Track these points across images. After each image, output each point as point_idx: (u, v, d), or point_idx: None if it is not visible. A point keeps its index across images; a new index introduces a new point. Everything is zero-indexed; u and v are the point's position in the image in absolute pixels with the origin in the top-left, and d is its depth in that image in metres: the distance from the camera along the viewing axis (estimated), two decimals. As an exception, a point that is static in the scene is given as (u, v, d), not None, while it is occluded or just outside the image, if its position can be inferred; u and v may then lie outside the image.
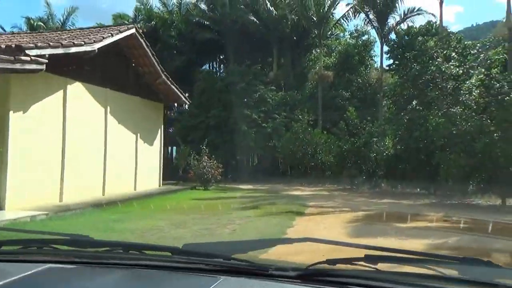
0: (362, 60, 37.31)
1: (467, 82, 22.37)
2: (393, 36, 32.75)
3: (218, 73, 41.40)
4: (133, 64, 18.09)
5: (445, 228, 10.71)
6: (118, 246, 1.78)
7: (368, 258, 1.50)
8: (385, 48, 32.68)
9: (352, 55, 36.89)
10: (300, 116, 29.91)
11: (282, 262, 1.70)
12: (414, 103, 22.68)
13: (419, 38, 25.94)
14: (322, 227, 10.73)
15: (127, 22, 43.06)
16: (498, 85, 20.24)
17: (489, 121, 15.70)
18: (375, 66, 38.45)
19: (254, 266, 1.51)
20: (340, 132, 26.07)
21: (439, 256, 1.73)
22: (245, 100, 32.96)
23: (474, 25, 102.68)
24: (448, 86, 21.86)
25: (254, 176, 33.53)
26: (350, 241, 5.83)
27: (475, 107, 20.05)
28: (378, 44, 35.76)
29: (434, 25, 32.16)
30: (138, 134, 18.60)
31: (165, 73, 18.79)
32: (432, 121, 18.64)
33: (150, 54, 17.68)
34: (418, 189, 20.58)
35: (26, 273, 1.47)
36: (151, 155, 19.78)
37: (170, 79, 19.43)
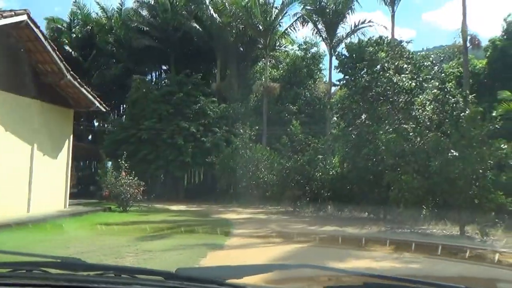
0: (310, 73, 35.32)
1: (420, 96, 20.52)
2: (342, 49, 30.91)
3: (159, 83, 38.32)
4: (30, 61, 14.90)
5: (396, 268, 8.18)
6: (110, 269, 1.74)
7: (367, 287, 1.52)
8: (336, 62, 30.75)
9: (300, 67, 34.83)
10: (241, 130, 27.23)
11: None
12: (363, 118, 20.53)
13: (369, 49, 23.93)
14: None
15: (60, 26, 40.00)
16: (453, 100, 18.47)
17: (445, 140, 13.49)
18: (324, 80, 36.48)
19: None
20: (282, 148, 23.54)
21: (439, 285, 1.74)
22: (183, 111, 30.06)
23: (425, 48, 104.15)
24: (400, 100, 19.85)
25: (191, 195, 30.59)
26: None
27: (428, 123, 18.12)
28: (328, 57, 33.93)
29: (386, 39, 30.52)
30: (35, 145, 15.33)
31: (71, 72, 15.65)
32: (382, 137, 16.37)
33: (50, 48, 14.57)
34: (367, 214, 18.21)
35: None
36: (54, 170, 16.47)
37: (79, 80, 16.30)
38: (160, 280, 1.63)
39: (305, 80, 34.53)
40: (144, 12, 37.73)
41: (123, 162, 19.58)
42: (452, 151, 12.80)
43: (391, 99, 19.79)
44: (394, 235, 12.65)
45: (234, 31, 34.43)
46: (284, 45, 39.45)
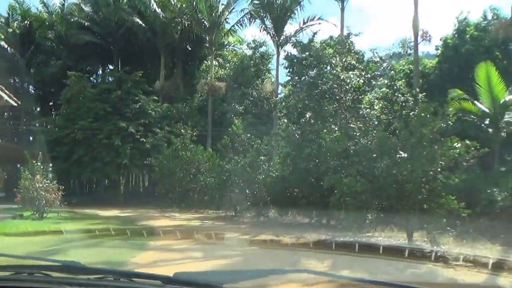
0: (258, 73, 33.60)
1: (369, 94, 19.13)
2: (292, 47, 29.28)
3: (98, 80, 35.72)
4: None
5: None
6: (109, 273, 1.75)
7: None
8: (284, 62, 29.06)
9: (248, 67, 33.05)
10: (182, 131, 25.12)
11: None
12: (307, 116, 18.90)
13: (317, 45, 22.37)
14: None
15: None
16: (402, 98, 17.15)
17: (392, 139, 11.90)
18: (273, 80, 34.79)
19: None
20: (223, 150, 21.62)
21: None
22: (122, 111, 27.68)
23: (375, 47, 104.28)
24: (347, 98, 18.38)
25: (130, 199, 28.25)
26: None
27: (376, 122, 16.66)
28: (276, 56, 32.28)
29: (337, 39, 29.18)
30: None
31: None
32: (326, 137, 14.73)
33: None
34: (309, 220, 16.46)
35: None
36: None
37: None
38: (158, 284, 1.61)
39: (252, 80, 32.80)
40: (87, 8, 35.06)
41: (38, 163, 17.09)
42: (401, 152, 11.24)
43: (337, 97, 18.30)
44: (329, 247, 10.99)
45: (179, 27, 32.30)
46: (232, 44, 37.73)
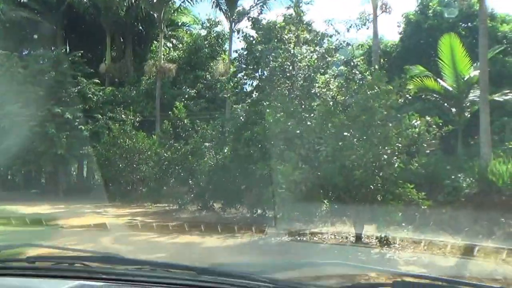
0: (213, 54, 31.24)
1: (324, 73, 17.25)
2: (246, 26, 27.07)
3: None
4: None
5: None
6: (146, 264, 1.79)
7: (396, 285, 1.45)
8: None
9: (202, 47, 30.68)
10: (123, 116, 22.72)
11: (306, 285, 1.79)
12: (254, 96, 16.92)
13: (266, 18, 20.26)
14: None
15: None
16: (360, 76, 15.42)
17: (340, 116, 9.90)
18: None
19: (281, 287, 1.47)
20: (163, 136, 19.42)
21: (474, 285, 1.84)
22: (57, 95, 25.01)
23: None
24: (299, 76, 16.46)
25: (69, 193, 25.75)
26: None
27: (331, 103, 14.76)
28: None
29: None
30: None
31: None
32: (269, 118, 12.70)
33: None
34: (254, 213, 14.37)
35: None
36: None
37: None
38: (194, 274, 1.63)
39: (206, 62, 30.40)
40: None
41: None
42: (350, 133, 9.34)
43: (288, 75, 16.35)
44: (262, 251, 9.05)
45: (125, 3, 29.60)
46: (188, 24, 35.25)
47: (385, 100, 8.93)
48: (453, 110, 15.40)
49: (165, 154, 17.86)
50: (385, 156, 8.84)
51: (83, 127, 24.49)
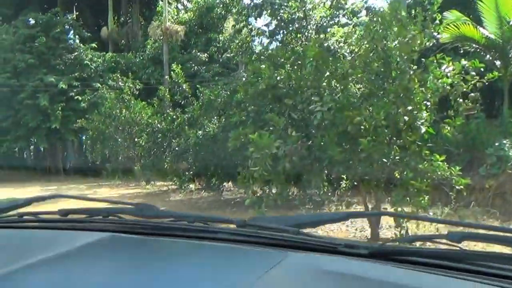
0: (227, 14, 28.92)
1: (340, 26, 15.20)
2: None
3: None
4: None
5: None
6: (183, 217, 1.72)
7: (451, 236, 1.32)
8: None
9: (214, 6, 28.41)
10: (120, 83, 20.93)
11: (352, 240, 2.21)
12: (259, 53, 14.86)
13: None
14: None
15: None
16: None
17: (351, 70, 7.63)
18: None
19: (324, 242, 1.42)
20: (158, 104, 17.56)
21: None
22: (50, 62, 23.48)
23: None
24: (310, 28, 14.40)
25: (65, 170, 24.60)
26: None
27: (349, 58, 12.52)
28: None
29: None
30: None
31: None
32: (265, 74, 10.58)
33: None
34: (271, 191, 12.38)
35: (90, 241, 1.49)
36: None
37: None
38: (233, 227, 1.60)
39: (219, 23, 28.20)
40: None
41: None
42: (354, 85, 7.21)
43: (298, 26, 14.25)
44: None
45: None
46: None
47: (407, 40, 6.65)
48: (497, 63, 12.77)
49: (158, 125, 16.00)
50: (405, 118, 6.62)
51: (80, 98, 22.94)
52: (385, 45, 6.84)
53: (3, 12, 28.86)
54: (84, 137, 24.68)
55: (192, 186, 16.14)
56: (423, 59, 6.96)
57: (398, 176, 6.77)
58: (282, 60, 8.18)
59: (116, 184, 19.82)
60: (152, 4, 32.53)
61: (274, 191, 7.35)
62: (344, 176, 8.82)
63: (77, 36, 29.61)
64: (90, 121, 20.44)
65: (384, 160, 6.55)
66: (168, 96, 17.31)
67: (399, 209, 6.21)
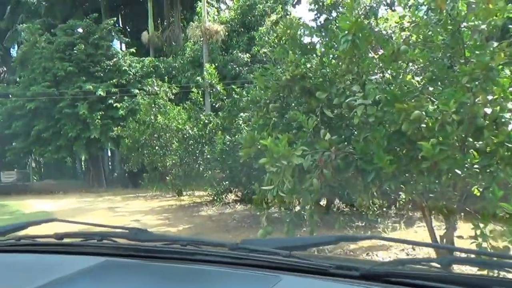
0: (270, 10, 27.04)
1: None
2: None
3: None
4: None
5: None
6: (176, 240, 1.75)
7: (441, 260, 1.42)
8: None
9: (256, 3, 26.64)
10: (156, 88, 19.50)
11: (345, 260, 1.87)
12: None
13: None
14: None
15: None
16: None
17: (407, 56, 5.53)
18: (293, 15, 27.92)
19: (315, 264, 1.43)
20: (190, 109, 15.94)
21: None
22: (89, 69, 22.45)
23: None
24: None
25: (110, 180, 23.53)
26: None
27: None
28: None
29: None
30: None
31: None
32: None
33: None
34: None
35: (85, 266, 1.51)
36: None
37: None
38: (225, 250, 1.61)
39: (262, 20, 26.35)
40: None
41: None
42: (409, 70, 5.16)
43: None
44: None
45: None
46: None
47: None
48: None
49: (189, 131, 14.35)
50: (486, 110, 4.48)
51: (118, 105, 21.77)
52: (454, 8, 4.74)
53: (49, 22, 28.37)
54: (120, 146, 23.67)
55: (230, 197, 14.45)
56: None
57: (478, 194, 4.65)
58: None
59: (152, 196, 18.39)
60: (194, 6, 31.23)
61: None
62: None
63: (117, 42, 28.90)
64: (125, 128, 19.14)
65: (457, 171, 4.42)
66: (201, 99, 15.64)
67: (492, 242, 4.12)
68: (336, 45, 5.77)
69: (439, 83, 4.83)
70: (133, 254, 1.65)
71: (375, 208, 7.00)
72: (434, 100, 4.63)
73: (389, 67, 4.92)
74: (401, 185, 4.80)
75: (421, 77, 5.10)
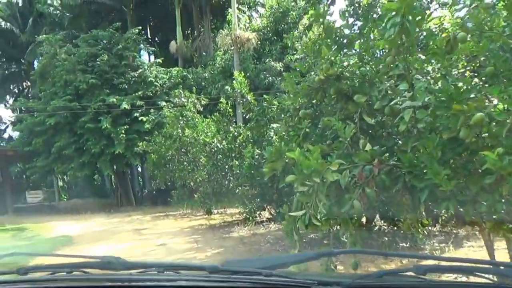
0: (303, 13, 26.54)
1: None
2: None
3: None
4: None
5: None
6: (152, 267, 1.74)
7: (417, 269, 1.47)
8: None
9: (289, 9, 26.24)
10: (183, 99, 19.23)
11: (325, 275, 2.02)
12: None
13: None
14: None
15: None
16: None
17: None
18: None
19: (298, 281, 1.48)
20: (219, 120, 15.51)
21: (496, 263, 1.76)
22: (112, 82, 22.44)
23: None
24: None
25: (146, 199, 23.45)
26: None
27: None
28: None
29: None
30: None
31: None
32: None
33: None
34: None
35: None
36: None
37: None
38: (205, 274, 1.60)
39: (295, 27, 25.90)
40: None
41: None
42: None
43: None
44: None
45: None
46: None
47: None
48: None
49: (218, 145, 13.91)
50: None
51: (144, 119, 21.61)
52: None
53: (74, 34, 28.71)
54: (146, 162, 23.54)
55: (264, 214, 13.93)
56: None
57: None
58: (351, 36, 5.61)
59: (182, 214, 18.02)
60: (224, 14, 31.11)
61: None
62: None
63: (146, 53, 28.97)
64: (151, 143, 18.89)
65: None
66: (230, 110, 15.23)
67: None
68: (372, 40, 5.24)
69: (503, 80, 4.18)
70: (107, 286, 1.61)
71: (421, 228, 6.36)
72: (495, 100, 4.01)
73: (443, 60, 4.30)
74: (460, 205, 4.15)
75: (478, 73, 4.47)
